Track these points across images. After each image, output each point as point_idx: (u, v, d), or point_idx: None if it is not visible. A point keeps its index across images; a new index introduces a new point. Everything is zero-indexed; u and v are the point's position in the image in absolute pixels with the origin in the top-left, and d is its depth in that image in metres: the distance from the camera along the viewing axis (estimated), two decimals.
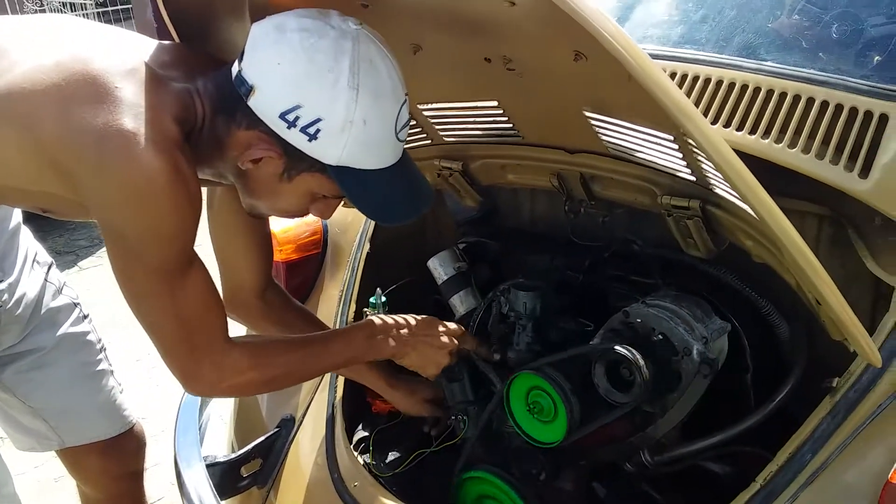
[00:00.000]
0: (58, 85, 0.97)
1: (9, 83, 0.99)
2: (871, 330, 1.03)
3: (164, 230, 1.00)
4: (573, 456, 1.30)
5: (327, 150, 0.98)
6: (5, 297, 1.37)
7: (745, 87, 1.17)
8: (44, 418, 1.55)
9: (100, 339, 1.64)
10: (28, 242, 1.49)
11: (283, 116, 0.96)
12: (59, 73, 0.97)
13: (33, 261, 1.49)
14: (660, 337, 1.14)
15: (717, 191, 1.06)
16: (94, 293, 3.61)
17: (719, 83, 1.20)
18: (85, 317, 1.61)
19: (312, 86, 0.95)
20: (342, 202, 1.12)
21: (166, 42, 1.13)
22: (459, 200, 1.56)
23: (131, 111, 0.95)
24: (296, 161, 1.01)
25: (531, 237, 1.60)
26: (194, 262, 1.07)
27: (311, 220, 1.79)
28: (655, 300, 1.19)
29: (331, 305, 1.68)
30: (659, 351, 1.14)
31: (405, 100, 1.02)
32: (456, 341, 1.32)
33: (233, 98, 0.99)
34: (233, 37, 1.20)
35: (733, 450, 1.23)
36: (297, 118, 0.96)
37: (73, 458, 1.66)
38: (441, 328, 1.33)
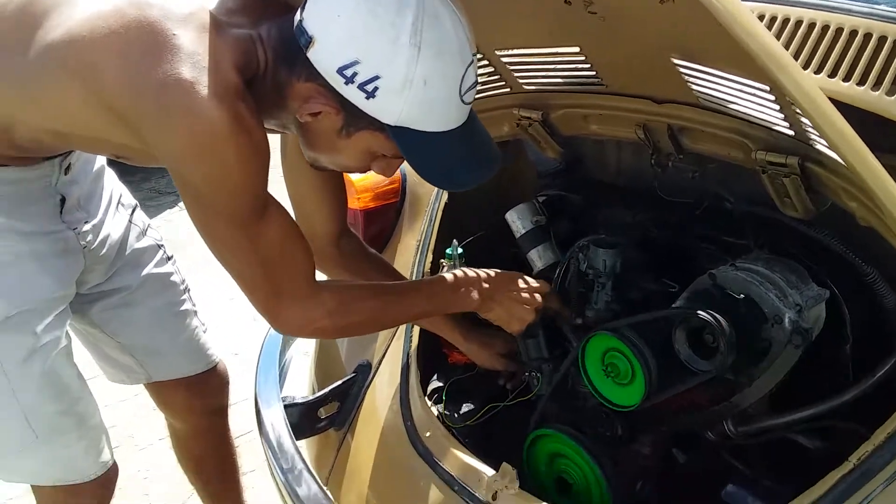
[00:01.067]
0: (116, 33, 0.96)
1: (71, 31, 0.99)
2: None
3: (231, 181, 0.99)
4: (650, 421, 1.25)
5: (385, 109, 0.95)
6: (90, 237, 1.42)
7: (839, 30, 1.05)
8: (131, 354, 1.62)
9: (184, 280, 1.69)
10: (112, 184, 1.53)
11: (340, 72, 0.93)
12: (117, 20, 0.97)
13: (118, 203, 1.53)
14: (749, 303, 1.06)
15: (819, 147, 0.96)
16: (184, 233, 3.76)
17: (811, 25, 1.08)
18: (169, 258, 1.65)
19: (371, 41, 0.91)
20: (404, 162, 1.07)
21: None
22: (540, 151, 1.49)
23: (189, 60, 0.94)
24: (354, 118, 0.98)
25: (615, 191, 1.52)
26: (270, 206, 1.06)
27: None
28: (746, 263, 1.10)
29: (407, 255, 1.67)
30: (747, 318, 1.06)
31: (472, 60, 0.97)
32: (541, 298, 1.29)
33: (294, 48, 0.97)
34: None
35: (827, 424, 1.15)
36: (354, 74, 0.93)
37: (160, 392, 1.74)
38: (527, 284, 1.30)
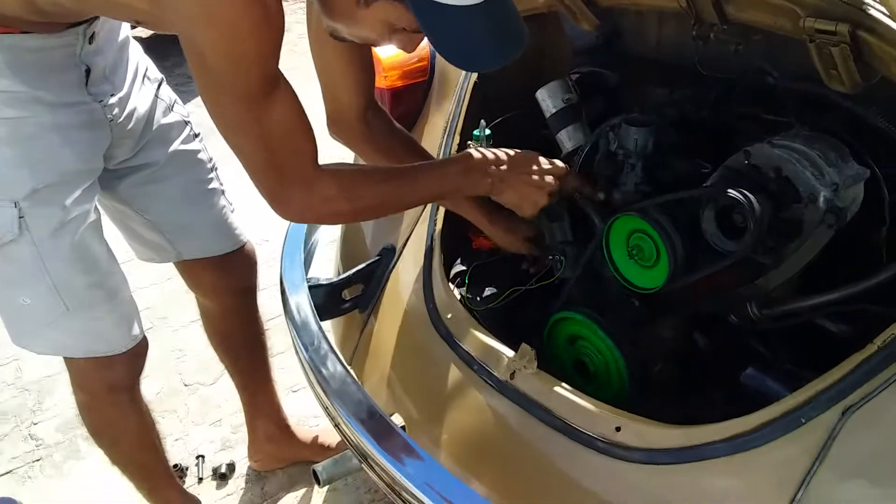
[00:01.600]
0: None
1: None
2: None
3: (242, 51, 0.97)
4: (673, 304, 1.23)
5: None
6: (116, 110, 1.40)
7: None
8: (160, 231, 1.63)
9: (211, 159, 1.68)
10: (138, 57, 1.51)
11: None
12: None
13: (143, 76, 1.51)
14: (783, 181, 1.01)
15: (873, 13, 0.89)
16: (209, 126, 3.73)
17: None
18: (196, 135, 1.64)
19: None
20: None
21: None
22: (576, 23, 1.42)
23: None
24: None
25: (653, 68, 1.45)
26: (279, 85, 1.04)
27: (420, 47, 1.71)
28: (784, 140, 1.05)
29: (435, 136, 1.63)
30: (781, 196, 1.02)
31: None
32: (556, 181, 1.25)
33: None
34: None
35: (854, 308, 1.12)
36: None
37: (190, 271, 1.76)
38: (542, 165, 1.26)
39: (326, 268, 1.90)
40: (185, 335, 2.68)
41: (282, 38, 1.00)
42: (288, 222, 1.73)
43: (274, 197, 1.11)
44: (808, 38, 0.98)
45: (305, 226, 1.70)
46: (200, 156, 1.64)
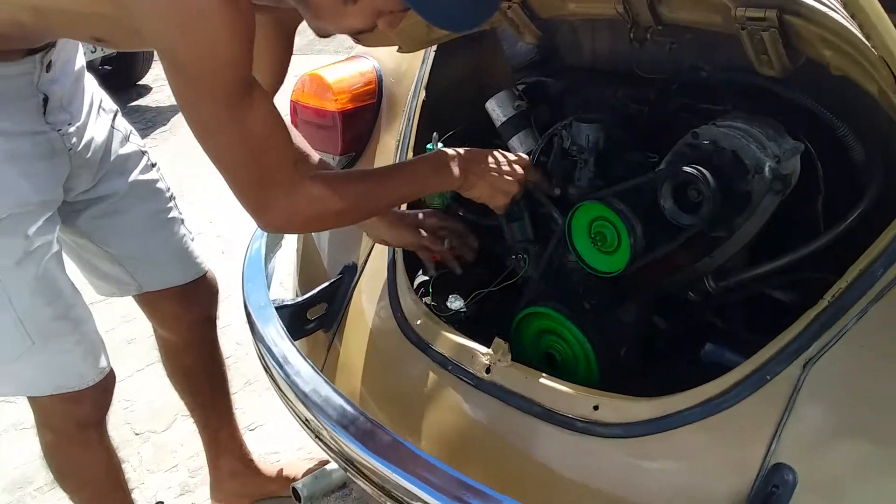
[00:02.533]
0: None
1: None
2: None
3: (218, 52, 0.98)
4: (636, 287, 1.30)
5: None
6: (74, 139, 1.40)
7: None
8: (121, 263, 1.61)
9: (169, 188, 1.68)
10: (93, 88, 1.51)
11: None
12: None
13: (99, 107, 1.51)
14: (731, 155, 1.11)
15: None
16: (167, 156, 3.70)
17: None
18: (153, 165, 1.64)
19: None
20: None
21: None
22: (518, 37, 1.50)
23: None
24: None
25: (593, 73, 1.55)
26: (255, 87, 1.06)
27: (365, 70, 1.77)
28: (726, 121, 1.15)
29: (388, 155, 1.68)
30: (729, 169, 1.11)
31: None
32: (523, 171, 1.31)
33: None
34: None
35: (801, 276, 1.21)
36: None
37: (151, 303, 1.74)
38: (508, 157, 1.32)
39: (277, 292, 1.90)
40: (132, 384, 2.61)
41: (254, 39, 1.02)
42: (238, 264, 1.74)
43: (258, 204, 1.11)
44: (740, 27, 1.08)
45: (265, 248, 1.71)
46: (159, 185, 1.64)
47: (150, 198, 1.62)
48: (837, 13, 0.92)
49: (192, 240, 1.74)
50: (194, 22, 0.95)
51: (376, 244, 1.60)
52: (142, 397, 2.54)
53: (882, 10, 0.75)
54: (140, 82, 6.03)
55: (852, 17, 0.82)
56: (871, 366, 1.01)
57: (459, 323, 1.46)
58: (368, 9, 1.03)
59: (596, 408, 1.17)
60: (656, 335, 1.37)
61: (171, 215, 1.67)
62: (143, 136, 4.72)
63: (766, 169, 1.09)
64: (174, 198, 1.70)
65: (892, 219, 1.04)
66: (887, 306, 1.00)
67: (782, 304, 1.26)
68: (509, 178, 1.30)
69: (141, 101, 5.75)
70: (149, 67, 5.98)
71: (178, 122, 5.15)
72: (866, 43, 0.89)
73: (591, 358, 1.29)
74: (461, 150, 1.30)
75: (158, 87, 6.03)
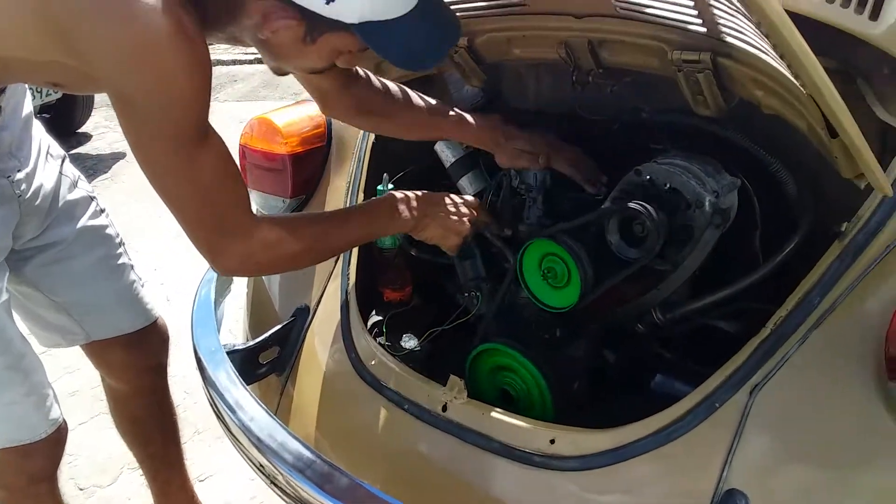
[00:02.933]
0: None
1: None
2: None
3: (172, 95, 0.98)
4: (586, 321, 1.33)
5: (346, 10, 0.97)
6: (23, 186, 1.38)
7: None
8: (68, 312, 1.57)
9: (118, 234, 1.66)
10: (41, 134, 1.49)
11: None
12: None
13: (47, 153, 1.49)
14: (672, 191, 1.16)
15: (729, 40, 1.06)
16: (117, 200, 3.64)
17: None
18: (102, 211, 1.62)
19: None
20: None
21: None
22: (465, 81, 1.55)
23: None
24: (316, 24, 0.99)
25: (538, 115, 1.60)
26: (210, 132, 1.05)
27: (314, 114, 1.78)
28: (667, 159, 1.20)
29: (339, 197, 1.69)
30: (671, 204, 1.16)
31: None
32: (472, 212, 1.34)
33: None
34: None
35: (743, 307, 1.26)
36: None
37: (99, 351, 1.69)
38: (458, 199, 1.35)
39: (225, 339, 1.88)
40: (75, 438, 2.50)
41: (210, 81, 1.01)
42: (184, 312, 1.71)
43: (212, 247, 1.10)
44: (677, 69, 1.14)
45: (213, 292, 1.69)
46: (108, 231, 1.62)
47: (98, 244, 1.59)
48: (767, 55, 0.98)
49: (143, 286, 1.71)
50: (149, 59, 0.95)
51: (328, 287, 1.60)
52: (85, 451, 2.45)
53: (809, 50, 0.80)
54: (80, 130, 5.92)
55: (781, 58, 0.87)
56: (813, 390, 1.05)
57: (415, 362, 1.46)
58: (327, 49, 1.05)
59: (552, 441, 1.18)
60: (607, 368, 1.40)
61: (120, 261, 1.64)
62: (89, 179, 4.61)
63: (706, 203, 1.14)
64: (123, 243, 1.67)
65: (826, 249, 1.10)
66: (826, 332, 1.05)
67: (727, 334, 1.31)
68: (460, 219, 1.32)
69: (81, 149, 5.64)
70: (89, 115, 5.88)
71: (119, 169, 5.07)
72: (795, 83, 0.95)
73: (545, 392, 1.30)
74: (413, 193, 1.32)
75: (99, 134, 5.94)
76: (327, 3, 0.96)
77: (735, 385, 1.09)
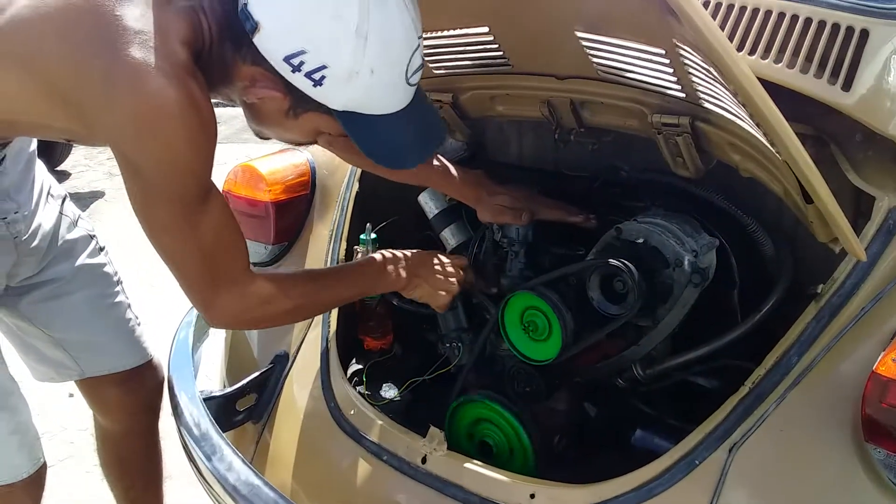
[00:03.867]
0: (58, 17, 0.94)
1: (11, 18, 0.97)
2: None
3: (179, 162, 0.98)
4: (567, 374, 1.34)
5: (332, 96, 0.98)
6: (21, 227, 1.38)
7: (731, 6, 1.21)
8: (64, 348, 1.57)
9: (116, 272, 1.66)
10: (42, 175, 1.49)
11: (287, 60, 0.94)
12: (57, 2, 0.95)
13: (48, 193, 1.49)
14: (652, 250, 1.18)
15: (707, 105, 1.09)
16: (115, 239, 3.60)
17: (706, 3, 1.23)
18: (101, 249, 1.62)
19: (318, 32, 0.93)
20: None
21: None
22: (449, 135, 1.57)
23: (136, 39, 0.92)
24: (301, 102, 1.00)
25: (520, 170, 1.63)
26: (212, 190, 1.05)
27: (298, 162, 1.80)
28: (647, 218, 1.22)
29: (321, 245, 1.70)
30: (651, 263, 1.18)
31: (418, 44, 1.00)
32: (461, 271, 1.35)
33: (238, 29, 0.96)
34: None
35: (722, 364, 1.28)
36: (301, 63, 0.94)
37: (93, 389, 1.68)
38: (446, 259, 1.36)
39: (203, 383, 1.85)
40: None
41: (216, 142, 1.02)
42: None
43: (208, 303, 1.09)
44: (656, 132, 1.17)
45: (192, 337, 1.67)
46: (106, 269, 1.62)
47: (96, 282, 1.58)
48: (744, 121, 1.02)
49: (139, 325, 1.70)
50: (157, 131, 0.94)
51: (308, 334, 1.60)
52: (54, 496, 2.38)
53: (784, 120, 0.83)
54: (59, 168, 5.89)
55: (757, 126, 0.90)
56: (791, 449, 1.06)
57: (394, 412, 1.45)
58: (309, 127, 1.06)
59: (532, 496, 1.18)
60: (588, 422, 1.41)
61: (116, 300, 1.63)
62: (82, 208, 4.57)
63: (686, 262, 1.16)
64: (121, 282, 1.67)
65: (804, 308, 1.13)
66: (804, 392, 1.06)
67: (707, 391, 1.32)
68: (450, 279, 1.33)
69: None
70: (69, 153, 5.86)
71: (98, 207, 5.03)
72: (771, 149, 0.98)
73: (526, 446, 1.30)
74: (402, 252, 1.33)
75: (77, 173, 5.91)
76: (315, 85, 0.96)
77: (714, 443, 1.10)
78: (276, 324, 1.30)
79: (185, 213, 1.01)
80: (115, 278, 1.65)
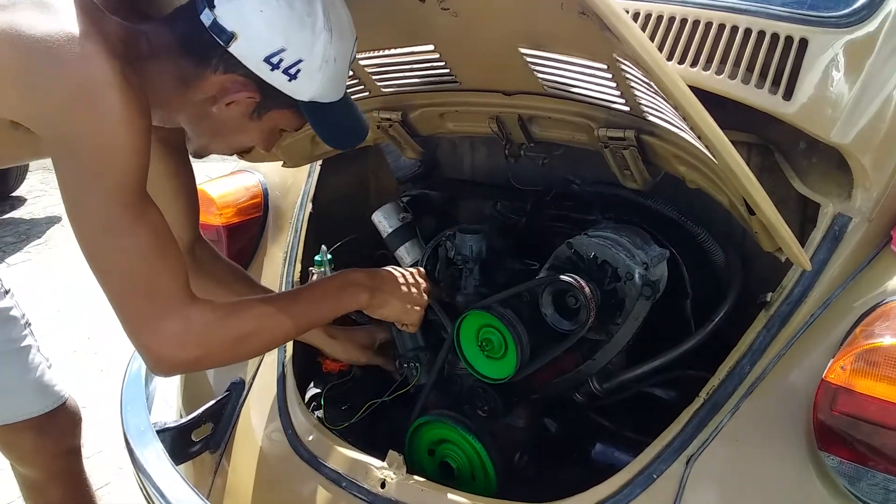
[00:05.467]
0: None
1: None
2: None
3: (117, 136, 0.95)
4: (525, 391, 1.33)
5: (303, 88, 1.04)
6: None
7: (672, 19, 1.21)
8: None
9: (24, 315, 1.59)
10: None
11: (267, 59, 1.00)
12: None
13: None
14: (603, 264, 1.18)
15: (651, 118, 1.10)
16: (22, 290, 3.52)
17: (648, 16, 1.24)
18: (6, 292, 1.56)
19: (295, 30, 1.00)
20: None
21: None
22: (401, 152, 1.56)
23: (78, 21, 0.96)
24: (271, 100, 1.06)
25: (473, 186, 1.62)
26: (148, 200, 1.01)
27: (250, 185, 1.78)
28: (597, 231, 1.22)
29: (275, 267, 1.67)
30: (602, 277, 1.18)
31: (356, 36, 1.10)
32: (424, 282, 1.33)
33: (203, 44, 1.01)
34: None
35: (677, 375, 1.28)
36: (280, 60, 1.00)
37: (6, 437, 1.60)
38: (409, 275, 1.32)
39: (161, 409, 1.81)
40: None
41: (150, 144, 1.00)
42: (118, 381, 1.64)
43: (143, 328, 0.99)
44: (603, 145, 1.17)
45: (145, 370, 1.63)
46: (13, 313, 1.55)
47: (2, 326, 1.52)
48: (687, 133, 1.02)
49: (50, 367, 1.63)
50: (94, 102, 0.94)
51: (265, 359, 1.57)
52: None
53: (722, 134, 0.83)
54: (14, 193, 5.77)
55: (699, 139, 0.90)
56: (747, 459, 1.07)
57: (354, 436, 1.43)
58: (269, 126, 1.10)
59: None
60: (548, 438, 1.40)
61: (24, 343, 1.57)
62: (18, 250, 4.47)
63: (636, 275, 1.16)
64: (29, 324, 1.61)
65: (755, 316, 1.13)
66: (757, 401, 1.07)
67: (664, 402, 1.32)
68: (416, 296, 1.30)
69: (14, 213, 5.48)
70: (23, 179, 5.75)
71: (54, 234, 4.93)
72: (714, 160, 0.98)
73: (487, 465, 1.29)
74: (363, 270, 1.28)
75: (33, 198, 5.79)
76: (290, 80, 1.02)
77: (672, 455, 1.09)
78: (228, 356, 1.14)
79: (122, 215, 0.96)
80: (23, 321, 1.59)
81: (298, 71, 1.02)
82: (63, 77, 0.94)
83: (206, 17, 1.00)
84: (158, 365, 1.03)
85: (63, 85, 0.95)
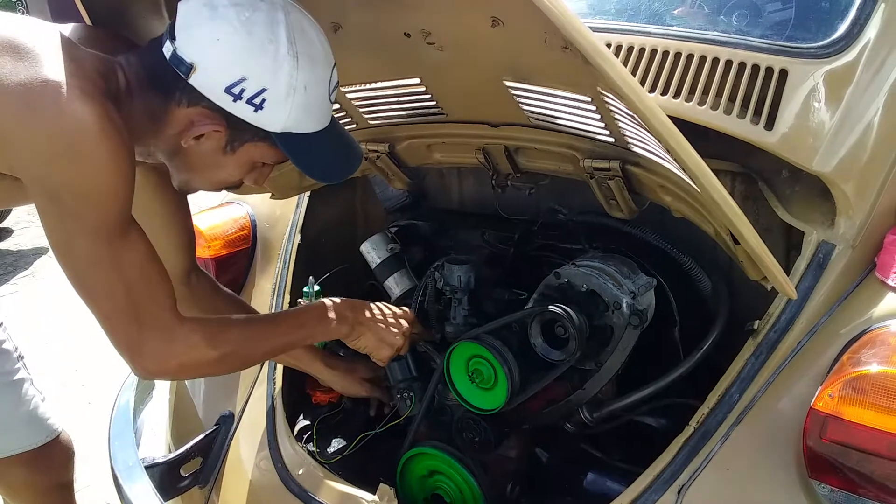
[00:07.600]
0: None
1: None
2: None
3: (101, 181, 0.96)
4: (516, 422, 1.32)
5: (272, 118, 1.01)
6: None
7: (654, 52, 1.23)
8: None
9: (17, 348, 1.58)
10: None
11: (228, 90, 0.98)
12: None
13: None
14: (591, 293, 1.18)
15: (635, 149, 1.11)
16: (10, 322, 3.49)
17: (630, 49, 1.26)
18: None
19: (255, 58, 0.97)
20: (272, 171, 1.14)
21: (76, 24, 1.11)
22: (388, 183, 1.57)
23: (54, 64, 0.94)
24: (240, 132, 1.03)
25: (461, 216, 1.63)
26: (134, 226, 1.03)
27: (238, 217, 1.78)
28: (584, 261, 1.23)
29: (264, 298, 1.67)
30: (590, 307, 1.18)
31: (334, 63, 1.06)
32: (407, 324, 1.33)
33: (167, 76, 0.99)
34: (146, 20, 1.18)
35: (667, 403, 1.28)
36: (242, 91, 0.98)
37: None
38: (392, 311, 1.34)
39: (149, 442, 1.79)
40: None
41: (134, 172, 1.00)
42: (106, 414, 1.63)
43: (131, 346, 1.03)
44: (589, 176, 1.18)
45: (133, 401, 1.62)
46: (5, 346, 1.54)
47: None
48: (670, 164, 1.03)
49: (43, 400, 1.62)
50: (76, 148, 0.94)
51: (254, 392, 1.56)
52: None
53: (705, 165, 0.84)
54: (1, 225, 5.75)
55: (683, 171, 0.91)
56: (738, 488, 1.06)
57: (345, 468, 1.42)
58: (245, 159, 1.07)
59: None
60: (540, 468, 1.39)
61: (17, 377, 1.56)
62: (4, 282, 4.43)
63: (624, 305, 1.17)
64: (22, 357, 1.60)
65: (743, 343, 1.13)
66: (747, 429, 1.07)
67: (655, 430, 1.32)
68: (395, 330, 1.31)
69: (1, 245, 5.46)
70: (9, 211, 5.73)
71: (41, 265, 4.91)
72: (698, 190, 0.99)
73: (478, 496, 1.28)
74: (347, 301, 1.30)
75: (20, 230, 5.76)
76: (255, 110, 0.99)
77: (663, 486, 1.09)
78: (209, 372, 1.22)
79: (108, 246, 0.98)
80: (16, 354, 1.58)
81: (264, 101, 0.99)
82: (41, 129, 0.93)
83: (167, 49, 0.99)
84: (143, 376, 1.10)
85: (42, 137, 0.94)
